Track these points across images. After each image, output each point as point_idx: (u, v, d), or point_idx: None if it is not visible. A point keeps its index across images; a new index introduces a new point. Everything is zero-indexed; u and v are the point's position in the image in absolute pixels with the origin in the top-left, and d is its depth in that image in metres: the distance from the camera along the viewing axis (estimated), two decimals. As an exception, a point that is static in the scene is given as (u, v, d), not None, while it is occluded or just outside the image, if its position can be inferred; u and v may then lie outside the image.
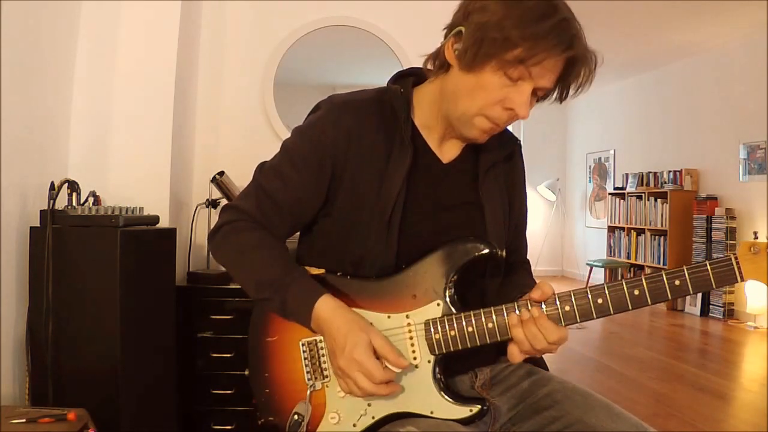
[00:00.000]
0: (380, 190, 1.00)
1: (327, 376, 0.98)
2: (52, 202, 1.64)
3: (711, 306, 5.45)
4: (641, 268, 6.44)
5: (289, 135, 1.09)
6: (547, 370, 1.11)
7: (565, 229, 8.57)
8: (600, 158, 7.92)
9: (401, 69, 1.12)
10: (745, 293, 5.10)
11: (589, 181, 8.16)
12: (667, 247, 5.98)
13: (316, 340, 0.99)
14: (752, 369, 3.92)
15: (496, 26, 0.89)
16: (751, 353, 4.29)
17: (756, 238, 4.97)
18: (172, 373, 1.97)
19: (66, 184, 1.71)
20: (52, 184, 1.67)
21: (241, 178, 2.29)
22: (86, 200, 1.77)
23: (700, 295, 5.41)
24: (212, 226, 1.07)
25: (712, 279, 0.87)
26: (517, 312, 0.93)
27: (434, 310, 0.96)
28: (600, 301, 0.91)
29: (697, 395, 3.20)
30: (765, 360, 4.06)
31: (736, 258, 0.86)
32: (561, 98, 1.00)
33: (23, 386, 1.66)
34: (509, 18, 0.88)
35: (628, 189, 6.88)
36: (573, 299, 0.92)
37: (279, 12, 2.69)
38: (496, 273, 1.09)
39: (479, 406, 0.94)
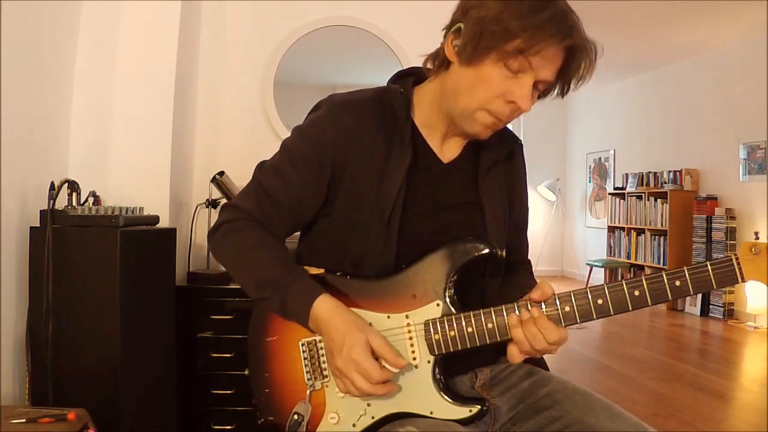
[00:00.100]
0: (380, 190, 1.00)
1: (326, 376, 0.98)
2: (52, 202, 1.64)
3: (711, 306, 5.45)
4: (641, 268, 6.44)
5: (289, 135, 1.09)
6: (548, 370, 1.11)
7: (565, 229, 8.57)
8: (600, 158, 7.91)
9: (401, 69, 1.12)
10: (745, 293, 5.10)
11: (589, 181, 8.16)
12: (667, 247, 5.98)
13: (315, 340, 0.99)
14: (752, 369, 3.92)
15: (495, 19, 0.90)
16: (751, 353, 4.29)
17: (757, 238, 4.97)
18: (172, 373, 1.97)
19: (66, 184, 1.71)
20: (52, 184, 1.67)
21: (241, 178, 2.29)
22: (86, 200, 1.77)
23: (700, 295, 5.41)
24: (212, 225, 1.07)
25: (713, 280, 0.87)
26: (517, 312, 0.93)
27: (434, 310, 0.96)
28: (600, 301, 0.91)
29: (697, 395, 3.20)
30: (765, 360, 4.06)
31: (737, 258, 0.86)
32: (563, 92, 1.00)
33: (23, 386, 1.66)
34: (508, 11, 0.89)
35: (628, 189, 6.88)
36: (573, 300, 0.92)
37: (279, 12, 2.69)
38: (496, 273, 1.08)
39: (479, 407, 0.94)
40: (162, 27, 2.19)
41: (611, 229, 7.14)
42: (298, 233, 1.12)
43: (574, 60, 0.94)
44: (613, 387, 3.35)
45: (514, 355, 0.94)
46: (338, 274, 1.02)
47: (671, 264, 5.93)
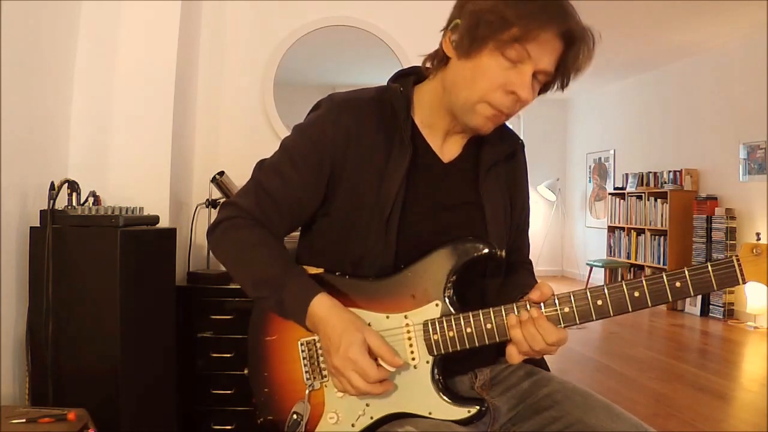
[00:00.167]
0: (379, 190, 1.00)
1: (326, 376, 0.98)
2: (52, 202, 1.64)
3: (711, 306, 5.45)
4: (641, 268, 6.44)
5: (289, 135, 1.09)
6: (548, 370, 1.11)
7: (565, 229, 8.56)
8: (600, 158, 7.91)
9: (401, 68, 1.12)
10: (745, 293, 5.10)
11: (589, 181, 8.16)
12: (667, 247, 5.98)
13: (315, 339, 0.99)
14: (752, 369, 3.92)
15: (491, 9, 0.91)
16: (751, 353, 4.29)
17: (758, 239, 4.97)
18: (172, 373, 1.97)
19: (66, 184, 1.71)
20: (52, 184, 1.67)
21: (241, 178, 2.28)
22: (86, 200, 1.77)
23: (700, 295, 5.40)
24: (211, 222, 1.07)
25: (714, 281, 0.86)
26: (516, 313, 0.92)
27: (433, 310, 0.96)
28: (599, 302, 0.91)
29: (697, 395, 3.20)
30: (765, 360, 4.06)
31: (738, 259, 0.85)
32: (563, 84, 1.00)
33: (23, 386, 1.66)
34: (503, 1, 0.90)
35: (628, 189, 6.88)
36: (572, 300, 0.91)
37: (279, 12, 2.68)
38: (497, 273, 1.08)
39: (477, 407, 0.94)
40: (162, 27, 2.19)
41: (611, 229, 7.14)
42: (298, 233, 1.12)
43: (572, 49, 0.94)
44: (613, 387, 3.35)
45: (513, 355, 0.93)
46: (337, 273, 1.01)
47: (671, 264, 5.93)
